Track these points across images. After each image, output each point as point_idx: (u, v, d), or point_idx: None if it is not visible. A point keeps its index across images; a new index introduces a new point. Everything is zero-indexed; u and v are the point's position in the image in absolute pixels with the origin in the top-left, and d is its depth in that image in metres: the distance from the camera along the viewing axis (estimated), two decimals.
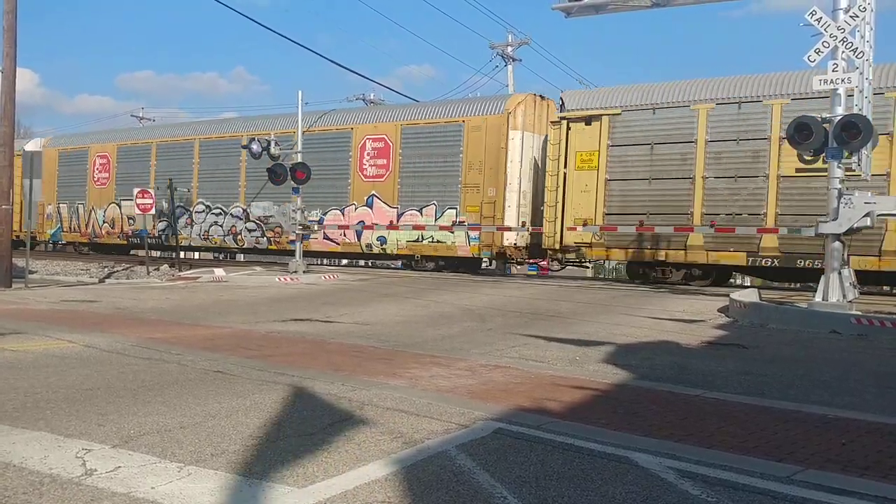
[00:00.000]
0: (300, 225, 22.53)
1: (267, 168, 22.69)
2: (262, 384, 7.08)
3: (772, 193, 18.78)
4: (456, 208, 23.67)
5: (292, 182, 22.17)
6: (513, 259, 24.31)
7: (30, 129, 66.65)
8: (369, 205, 24.95)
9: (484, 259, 23.98)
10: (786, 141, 15.19)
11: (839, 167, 13.00)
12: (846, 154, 12.87)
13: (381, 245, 24.98)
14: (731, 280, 24.19)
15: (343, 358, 8.82)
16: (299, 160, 22.45)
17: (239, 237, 28.57)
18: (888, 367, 9.31)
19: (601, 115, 20.92)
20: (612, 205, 20.93)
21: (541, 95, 24.25)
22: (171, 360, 8.33)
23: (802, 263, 18.29)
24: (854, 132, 12.42)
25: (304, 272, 22.01)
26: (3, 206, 18.06)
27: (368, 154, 25.38)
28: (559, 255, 22.16)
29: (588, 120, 20.93)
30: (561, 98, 22.39)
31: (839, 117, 12.65)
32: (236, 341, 9.97)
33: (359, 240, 25.37)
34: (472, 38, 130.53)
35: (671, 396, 7.10)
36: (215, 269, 22.56)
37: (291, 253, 23.54)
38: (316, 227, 24.33)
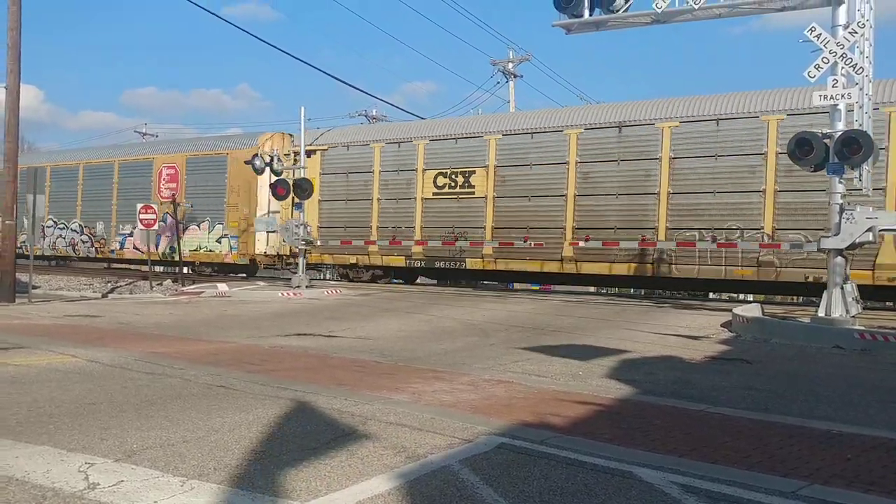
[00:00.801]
0: (303, 240, 22.57)
1: (270, 184, 23.24)
2: (265, 399, 7.08)
3: (418, 214, 24.46)
4: (223, 224, 28.79)
5: (295, 198, 22.32)
6: (261, 265, 29.54)
7: (33, 145, 66.93)
8: (164, 220, 28.09)
9: (249, 264, 28.92)
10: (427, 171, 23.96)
11: (840, 182, 13.01)
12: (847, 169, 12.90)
13: (172, 253, 29.15)
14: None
15: (346, 372, 8.82)
16: (302, 175, 22.56)
17: (77, 247, 33.75)
18: (892, 382, 9.28)
19: (316, 149, 26.41)
20: (323, 220, 26.45)
21: (289, 133, 29.21)
22: (173, 374, 8.33)
23: (440, 264, 24.34)
24: (855, 148, 12.45)
25: (306, 287, 22.03)
26: (7, 222, 18.11)
27: (164, 179, 30.69)
28: (291, 261, 27.37)
29: (309, 153, 25.26)
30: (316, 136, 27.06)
31: (840, 133, 12.69)
32: (239, 356, 9.97)
33: (157, 249, 29.02)
34: (475, 55, 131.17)
35: (675, 411, 7.09)
36: (218, 285, 22.59)
37: (114, 259, 31.72)
38: (318, 243, 24.39)
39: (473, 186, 23.46)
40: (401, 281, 28.06)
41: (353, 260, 25.98)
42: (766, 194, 18.96)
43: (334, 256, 26.48)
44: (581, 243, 21.14)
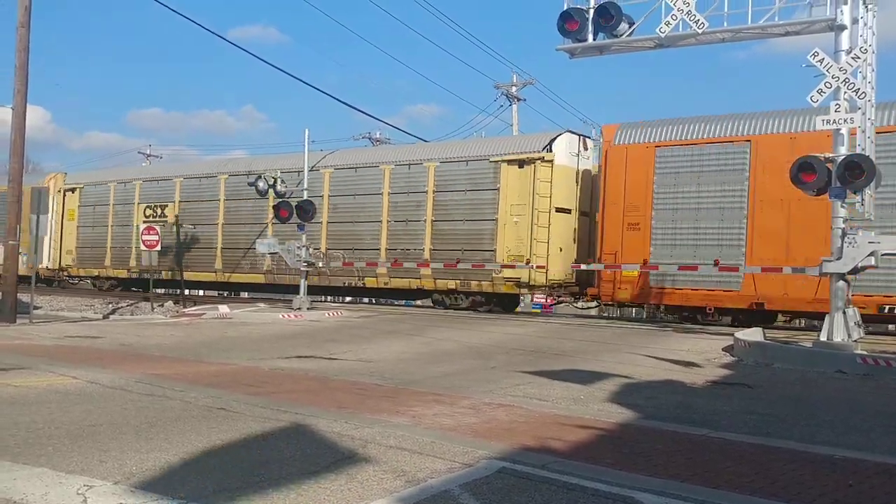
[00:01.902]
0: (304, 262, 22.58)
1: (273, 206, 23.40)
2: (265, 421, 7.05)
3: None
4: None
5: (297, 219, 22.39)
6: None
7: (38, 165, 67.13)
8: None
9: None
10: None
11: (843, 207, 13.03)
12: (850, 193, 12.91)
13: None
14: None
15: (346, 395, 8.79)
16: (305, 197, 22.64)
17: None
18: (895, 407, 9.24)
19: (74, 188, 33.61)
20: (80, 242, 33.35)
21: (63, 172, 34.98)
22: (174, 396, 8.30)
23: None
24: (857, 172, 12.47)
25: (307, 309, 22.02)
26: (10, 242, 18.17)
27: None
28: (61, 274, 34.23)
29: (70, 190, 33.56)
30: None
31: (842, 157, 12.71)
32: (240, 378, 9.94)
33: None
34: (479, 78, 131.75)
35: (676, 436, 7.06)
36: (220, 306, 22.58)
37: None
38: (320, 265, 24.42)
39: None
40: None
41: (96, 273, 33.12)
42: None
43: (87, 270, 33.57)
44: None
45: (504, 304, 24.48)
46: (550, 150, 22.23)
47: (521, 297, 26.17)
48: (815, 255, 14.43)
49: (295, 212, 22.22)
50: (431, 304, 25.56)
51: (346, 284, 25.96)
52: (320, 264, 24.08)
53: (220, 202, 29.00)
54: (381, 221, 24.97)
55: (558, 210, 22.31)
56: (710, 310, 19.45)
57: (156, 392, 8.52)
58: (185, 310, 22.64)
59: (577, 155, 22.96)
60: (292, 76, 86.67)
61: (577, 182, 22.95)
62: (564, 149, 22.52)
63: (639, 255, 20.05)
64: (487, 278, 22.73)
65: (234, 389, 8.87)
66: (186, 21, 69.73)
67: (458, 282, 23.38)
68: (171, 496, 4.74)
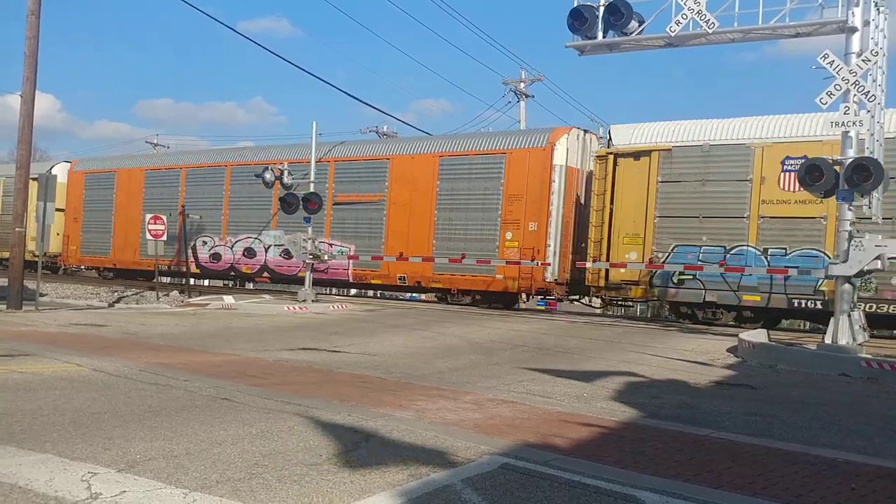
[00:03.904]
0: (310, 254, 22.61)
1: (280, 197, 23.44)
2: (268, 412, 7.08)
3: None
4: None
5: (303, 212, 22.41)
6: None
7: (46, 153, 67.43)
8: None
9: None
10: None
11: (849, 209, 13.00)
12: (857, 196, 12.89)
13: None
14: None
15: (350, 388, 8.81)
16: (312, 190, 22.66)
17: None
18: None
19: None
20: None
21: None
22: (178, 385, 8.33)
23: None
24: (865, 175, 12.44)
25: (312, 301, 22.05)
26: (17, 229, 18.20)
27: None
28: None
29: None
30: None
31: (850, 160, 12.68)
32: (244, 369, 9.97)
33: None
34: (488, 74, 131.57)
35: (679, 435, 7.06)
36: (224, 297, 22.63)
37: None
38: (326, 257, 24.42)
39: None
40: None
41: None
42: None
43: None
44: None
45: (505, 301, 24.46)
46: None
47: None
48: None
49: (301, 204, 22.26)
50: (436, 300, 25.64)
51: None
52: (325, 257, 24.10)
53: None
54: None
55: None
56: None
57: (160, 381, 8.55)
58: (190, 300, 22.70)
59: None
60: (302, 69, 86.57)
61: None
62: None
63: None
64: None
65: (238, 380, 8.89)
66: (198, 12, 69.51)
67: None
68: (175, 485, 4.76)
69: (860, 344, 13.00)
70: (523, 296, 24.71)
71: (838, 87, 12.66)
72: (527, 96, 41.17)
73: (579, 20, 15.26)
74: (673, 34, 14.52)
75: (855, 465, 6.15)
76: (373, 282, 25.77)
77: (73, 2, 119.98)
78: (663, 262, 19.84)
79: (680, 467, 5.80)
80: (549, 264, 21.91)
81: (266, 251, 27.11)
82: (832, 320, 13.02)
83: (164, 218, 24.60)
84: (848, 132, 12.91)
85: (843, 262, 12.88)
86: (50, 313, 17.27)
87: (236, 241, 28.23)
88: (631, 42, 15.49)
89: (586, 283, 21.84)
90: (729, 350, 14.33)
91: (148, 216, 24.65)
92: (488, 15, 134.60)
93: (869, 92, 12.61)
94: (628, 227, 20.64)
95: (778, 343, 14.39)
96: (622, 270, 20.56)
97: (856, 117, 12.63)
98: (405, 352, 12.76)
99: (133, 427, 6.26)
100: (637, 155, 20.59)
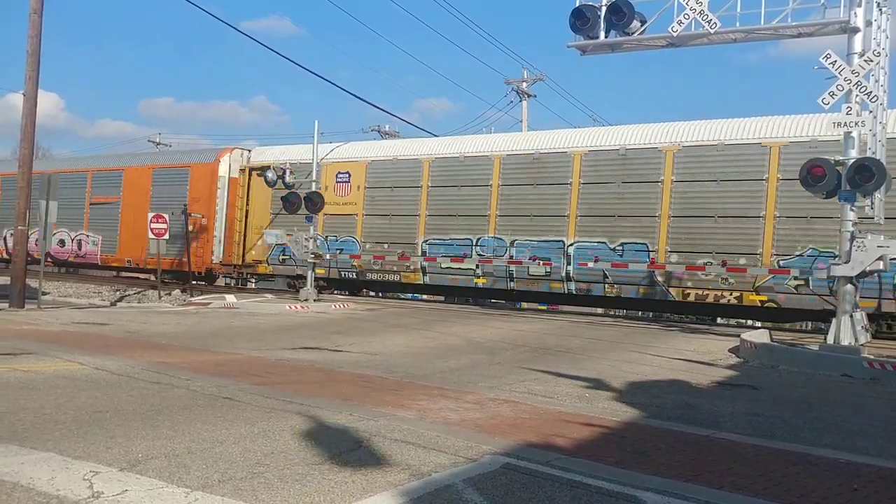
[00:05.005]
0: (312, 253, 22.62)
1: (281, 197, 23.50)
2: (270, 412, 7.08)
3: None
4: None
5: (306, 210, 22.44)
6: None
7: (48, 152, 67.41)
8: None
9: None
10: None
11: (852, 210, 12.99)
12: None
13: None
14: None
15: (352, 388, 8.81)
16: (314, 189, 22.68)
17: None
18: None
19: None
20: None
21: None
22: (180, 384, 8.34)
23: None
24: (867, 175, 12.43)
25: (314, 300, 22.06)
26: (20, 227, 18.23)
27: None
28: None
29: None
30: None
31: (852, 160, 12.67)
32: (245, 368, 9.98)
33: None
34: (491, 74, 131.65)
35: (680, 436, 7.06)
36: (227, 296, 22.64)
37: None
38: (328, 257, 24.44)
39: None
40: None
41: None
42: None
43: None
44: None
45: None
46: None
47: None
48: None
49: (303, 203, 22.27)
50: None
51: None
52: (327, 256, 24.12)
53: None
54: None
55: None
56: None
57: (162, 380, 8.56)
58: (192, 299, 22.71)
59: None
60: (305, 68, 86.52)
61: None
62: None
63: None
64: None
65: (240, 379, 8.90)
66: (201, 11, 69.76)
67: None
68: (177, 484, 4.77)
69: (862, 345, 12.98)
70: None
71: (840, 88, 12.65)
72: (529, 96, 41.19)
73: (581, 20, 15.27)
74: (675, 34, 14.52)
75: (857, 466, 6.15)
76: (112, 265, 32.04)
77: (76, 1, 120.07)
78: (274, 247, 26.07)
79: (681, 467, 5.80)
80: (214, 253, 28.48)
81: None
82: (834, 321, 13.01)
83: (167, 216, 24.62)
84: (850, 133, 12.90)
85: (846, 262, 12.87)
86: (52, 312, 17.29)
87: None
88: (633, 42, 15.49)
89: (232, 264, 28.40)
90: (731, 350, 14.32)
91: (150, 214, 24.75)
92: (490, 14, 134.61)
93: (871, 92, 12.61)
94: (257, 221, 27.79)
95: (780, 343, 14.39)
96: (252, 252, 27.98)
97: (858, 118, 12.62)
98: (407, 351, 12.76)
99: (135, 426, 6.27)
100: (262, 170, 26.41)
